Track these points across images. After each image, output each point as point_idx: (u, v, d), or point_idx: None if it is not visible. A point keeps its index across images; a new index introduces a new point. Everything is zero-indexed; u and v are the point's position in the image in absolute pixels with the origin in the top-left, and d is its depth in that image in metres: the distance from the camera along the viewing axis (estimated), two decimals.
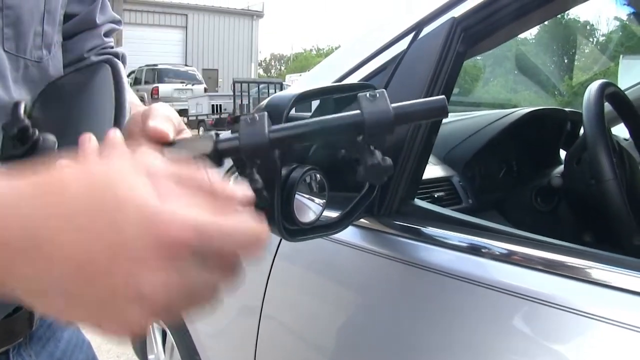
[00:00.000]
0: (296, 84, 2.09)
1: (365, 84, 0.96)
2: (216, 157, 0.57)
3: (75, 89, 0.77)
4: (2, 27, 0.70)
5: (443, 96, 0.58)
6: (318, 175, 0.77)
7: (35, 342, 0.88)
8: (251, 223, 0.45)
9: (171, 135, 0.61)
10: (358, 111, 0.56)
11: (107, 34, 0.95)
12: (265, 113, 0.56)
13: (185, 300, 0.44)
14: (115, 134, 0.57)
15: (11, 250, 0.42)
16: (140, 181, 0.43)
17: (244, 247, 0.45)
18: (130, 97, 0.80)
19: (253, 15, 33.66)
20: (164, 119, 0.63)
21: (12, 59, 0.73)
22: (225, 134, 0.58)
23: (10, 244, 0.42)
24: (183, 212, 0.43)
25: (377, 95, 0.56)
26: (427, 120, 0.60)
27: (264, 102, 0.72)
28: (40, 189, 0.43)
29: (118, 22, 0.98)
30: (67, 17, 0.87)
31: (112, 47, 0.96)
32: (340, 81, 1.19)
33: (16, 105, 0.64)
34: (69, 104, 0.74)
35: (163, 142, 0.61)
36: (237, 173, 0.60)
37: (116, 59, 0.75)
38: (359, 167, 0.58)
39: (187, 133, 0.66)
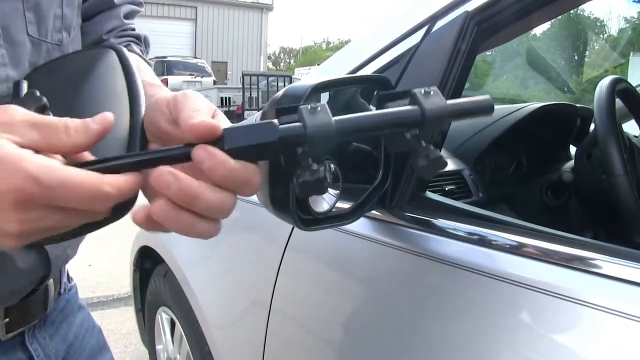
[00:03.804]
0: (311, 75, 2.09)
1: (380, 76, 0.97)
2: (280, 146, 0.53)
3: (79, 72, 0.75)
4: (23, 12, 0.71)
5: (488, 96, 0.59)
6: (332, 166, 0.78)
7: (49, 325, 0.90)
8: (99, 180, 0.47)
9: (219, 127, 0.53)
10: (416, 106, 0.56)
11: (127, 16, 0.95)
12: (325, 103, 0.55)
13: (46, 232, 0.50)
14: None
15: None
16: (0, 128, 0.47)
17: (85, 201, 0.47)
18: (149, 77, 0.78)
19: (263, 8, 33.58)
20: (201, 112, 0.56)
21: (35, 43, 0.73)
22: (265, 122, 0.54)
23: None
24: (30, 164, 0.46)
25: (432, 92, 0.57)
26: (474, 117, 0.61)
27: (280, 93, 0.72)
28: None
29: (139, 4, 0.98)
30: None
31: (133, 29, 0.96)
32: (354, 73, 1.20)
33: (17, 83, 0.64)
34: (75, 88, 0.72)
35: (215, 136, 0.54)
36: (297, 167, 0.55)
37: (120, 46, 0.74)
38: (414, 161, 0.58)
39: (221, 114, 0.61)
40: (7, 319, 0.80)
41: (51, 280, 0.88)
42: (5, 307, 0.79)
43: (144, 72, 0.79)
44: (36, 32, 0.73)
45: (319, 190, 0.54)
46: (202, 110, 0.56)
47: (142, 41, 0.97)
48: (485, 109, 0.59)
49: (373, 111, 0.57)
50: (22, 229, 0.47)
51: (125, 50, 0.71)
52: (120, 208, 0.51)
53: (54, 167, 0.46)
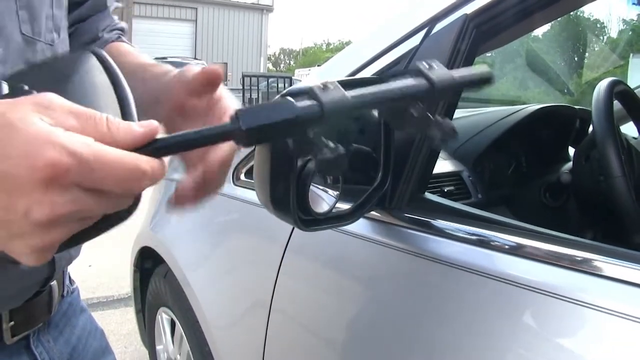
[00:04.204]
0: (310, 77, 2.10)
1: (377, 78, 0.97)
2: (298, 124, 0.52)
3: (62, 74, 0.74)
4: (16, 11, 0.71)
5: (486, 67, 0.63)
6: None
7: (53, 328, 0.90)
8: (135, 157, 0.45)
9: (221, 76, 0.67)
10: (423, 79, 0.59)
11: (113, 12, 0.99)
12: (336, 81, 0.56)
13: (73, 224, 0.46)
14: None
15: None
16: (33, 108, 0.44)
17: (125, 180, 0.45)
18: (146, 59, 0.84)
19: (263, 9, 33.55)
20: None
21: (29, 42, 0.74)
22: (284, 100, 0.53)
23: None
24: (65, 138, 0.43)
25: (434, 65, 0.60)
26: (477, 87, 0.63)
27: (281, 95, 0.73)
28: None
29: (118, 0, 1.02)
30: (79, 3, 0.91)
31: (117, 23, 0.99)
32: (353, 75, 1.20)
33: None
34: (60, 89, 0.71)
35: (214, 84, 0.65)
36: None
37: (101, 50, 0.74)
38: (428, 135, 0.61)
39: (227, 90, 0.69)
40: (12, 322, 0.80)
41: (54, 282, 0.88)
42: (9, 309, 0.79)
43: (140, 57, 0.87)
44: (30, 31, 0.74)
45: (339, 167, 0.54)
46: None
47: (124, 32, 1.01)
48: (487, 79, 0.63)
49: (385, 84, 0.58)
50: (54, 214, 0.43)
51: (104, 53, 0.70)
52: (132, 204, 0.50)
53: (89, 143, 0.44)
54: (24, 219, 0.43)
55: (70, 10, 0.90)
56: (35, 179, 0.42)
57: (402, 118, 0.61)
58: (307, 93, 0.53)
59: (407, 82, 0.59)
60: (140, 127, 0.47)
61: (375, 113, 0.88)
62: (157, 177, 0.47)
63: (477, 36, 1.02)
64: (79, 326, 0.97)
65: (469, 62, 1.02)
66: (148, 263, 2.25)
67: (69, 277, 0.98)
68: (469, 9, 1.02)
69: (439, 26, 1.06)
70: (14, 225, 0.44)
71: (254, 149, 0.73)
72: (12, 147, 0.42)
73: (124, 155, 0.45)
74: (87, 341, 0.98)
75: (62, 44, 0.83)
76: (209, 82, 0.67)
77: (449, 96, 0.60)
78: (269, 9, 33.90)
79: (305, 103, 0.52)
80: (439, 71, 0.59)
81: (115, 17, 1.00)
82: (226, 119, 0.61)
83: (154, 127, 0.48)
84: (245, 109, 0.50)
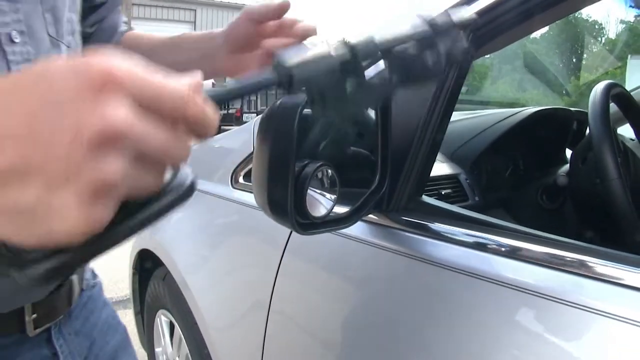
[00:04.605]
0: None
1: None
2: (339, 67, 0.57)
3: None
4: (42, 13, 0.74)
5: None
6: (329, 171, 0.79)
7: (73, 320, 0.92)
8: (179, 82, 0.40)
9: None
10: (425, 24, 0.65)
11: None
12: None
13: (134, 168, 0.38)
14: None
15: None
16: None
17: (175, 99, 0.40)
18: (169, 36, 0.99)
19: None
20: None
21: (54, 43, 0.77)
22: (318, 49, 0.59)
23: None
24: (114, 58, 0.38)
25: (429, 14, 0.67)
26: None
27: (279, 100, 0.73)
28: None
29: None
30: (98, 5, 0.98)
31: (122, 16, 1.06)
32: None
33: None
34: None
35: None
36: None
37: None
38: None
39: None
40: (34, 315, 0.81)
41: (75, 275, 0.89)
42: (32, 302, 0.81)
43: (162, 35, 1.01)
44: (55, 33, 0.77)
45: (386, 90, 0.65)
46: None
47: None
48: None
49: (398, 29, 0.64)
50: (106, 127, 0.36)
51: None
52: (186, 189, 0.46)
53: (136, 65, 0.39)
54: (74, 143, 0.36)
55: (91, 12, 0.97)
56: (86, 87, 0.36)
57: (418, 68, 0.66)
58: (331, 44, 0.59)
59: (417, 24, 0.65)
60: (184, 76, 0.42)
61: (373, 114, 0.89)
62: (204, 114, 0.41)
63: (473, 40, 1.02)
64: (101, 320, 0.99)
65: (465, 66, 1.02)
66: (147, 265, 2.26)
67: (92, 272, 1.00)
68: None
69: None
70: (60, 158, 0.36)
71: (252, 153, 0.74)
72: (54, 78, 0.37)
73: (171, 79, 0.40)
74: (108, 335, 0.99)
75: (77, 48, 0.86)
76: (282, 7, 0.88)
77: (450, 37, 0.66)
78: None
79: (339, 51, 0.57)
80: (436, 16, 0.66)
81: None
82: (298, 27, 0.93)
83: (198, 79, 0.43)
84: (283, 51, 0.55)
